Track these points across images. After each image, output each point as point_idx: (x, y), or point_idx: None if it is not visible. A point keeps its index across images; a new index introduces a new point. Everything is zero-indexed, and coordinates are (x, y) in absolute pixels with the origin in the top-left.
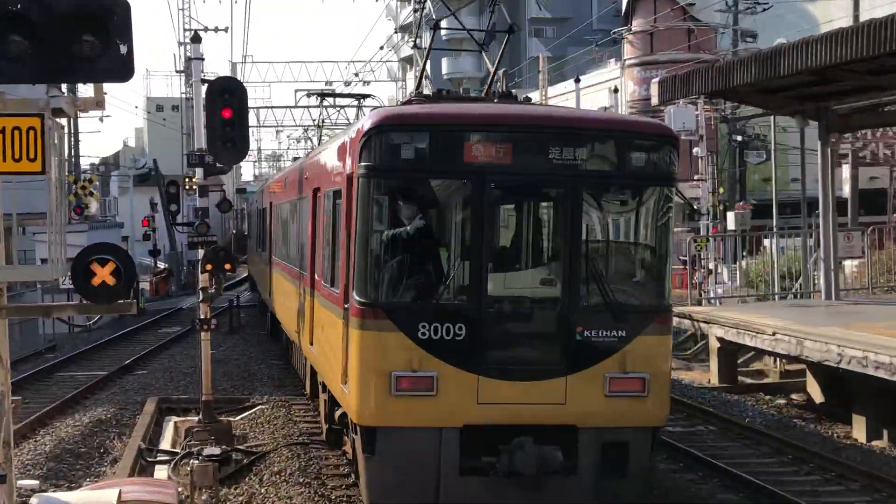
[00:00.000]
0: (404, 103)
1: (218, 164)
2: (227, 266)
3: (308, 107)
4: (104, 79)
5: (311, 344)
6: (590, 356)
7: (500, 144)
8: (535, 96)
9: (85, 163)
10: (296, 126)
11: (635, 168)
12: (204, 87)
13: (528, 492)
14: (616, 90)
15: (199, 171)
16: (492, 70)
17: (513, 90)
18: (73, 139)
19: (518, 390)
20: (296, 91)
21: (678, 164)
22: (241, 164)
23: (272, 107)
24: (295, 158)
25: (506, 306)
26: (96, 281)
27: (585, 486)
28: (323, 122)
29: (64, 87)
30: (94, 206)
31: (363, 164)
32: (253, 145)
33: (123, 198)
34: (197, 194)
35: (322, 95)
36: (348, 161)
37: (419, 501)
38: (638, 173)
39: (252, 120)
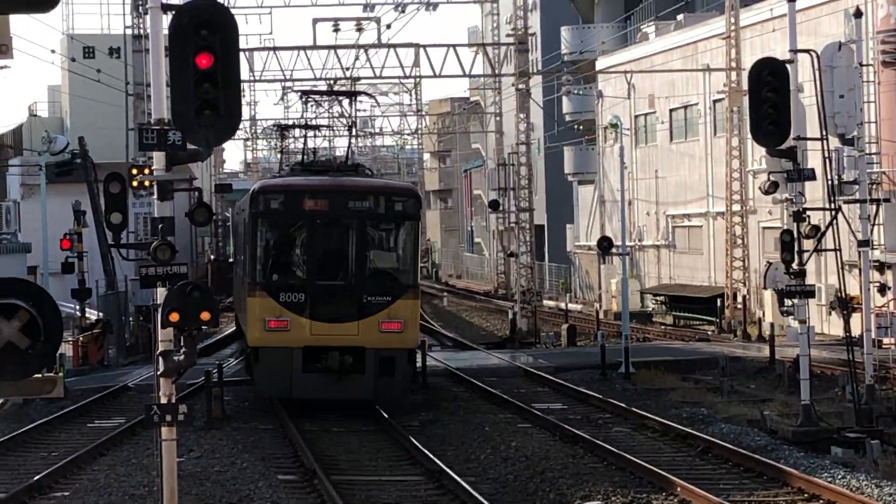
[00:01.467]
0: (287, 171)
1: (190, 146)
2: (205, 315)
3: (335, 46)
4: (15, 7)
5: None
6: (371, 310)
7: (321, 199)
8: (715, 25)
9: None
10: (315, 81)
11: (394, 211)
12: (167, 18)
13: (338, 384)
14: (859, 14)
15: (157, 157)
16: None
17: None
18: None
19: (332, 328)
20: (314, 21)
21: (423, 208)
22: (226, 144)
23: (275, 48)
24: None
25: (326, 284)
26: None
27: (370, 381)
28: (354, 73)
29: None
30: None
31: (251, 209)
32: (245, 113)
33: (30, 202)
34: (154, 195)
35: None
36: (249, 205)
37: (282, 388)
38: (395, 214)
39: (243, 71)
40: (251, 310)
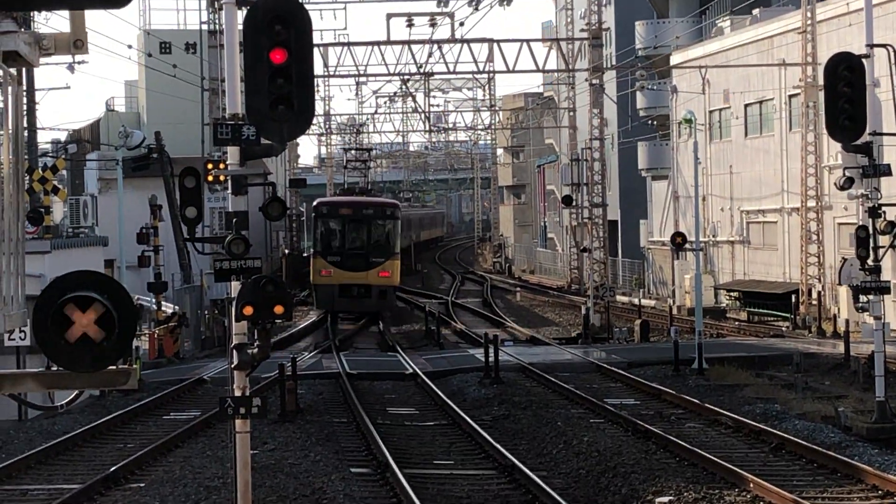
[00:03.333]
0: (333, 193)
1: (264, 140)
2: (278, 308)
3: (410, 42)
4: (90, 3)
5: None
6: (373, 266)
7: (346, 208)
8: (791, 19)
9: (44, 139)
10: (389, 76)
11: (384, 214)
12: (242, 13)
13: (357, 302)
14: None
15: (231, 152)
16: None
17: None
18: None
19: (354, 276)
20: (388, 16)
21: (399, 213)
22: (300, 139)
23: (349, 43)
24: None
25: (350, 251)
26: (74, 334)
27: (373, 301)
28: (428, 68)
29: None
30: (58, 211)
31: (314, 212)
32: (319, 108)
33: (107, 196)
34: (229, 190)
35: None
36: (313, 210)
37: (328, 305)
38: (384, 216)
39: (317, 66)
40: (313, 265)
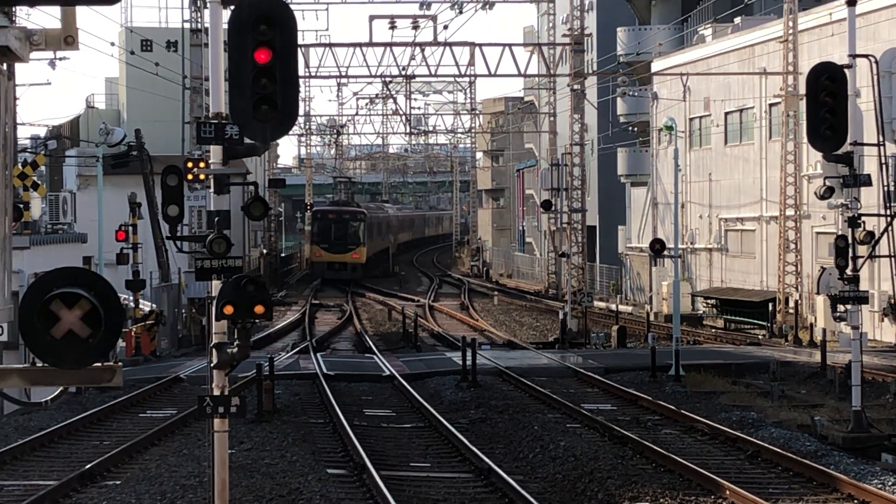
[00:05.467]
0: (324, 202)
1: (247, 140)
2: (259, 308)
3: (392, 44)
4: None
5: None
6: (349, 250)
7: (333, 214)
8: (772, 28)
9: (24, 134)
10: (370, 78)
11: (357, 218)
12: (227, 12)
13: (339, 272)
14: None
15: (214, 151)
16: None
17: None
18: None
19: (336, 256)
20: (371, 18)
21: (366, 217)
22: (280, 139)
23: (331, 44)
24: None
25: (334, 241)
26: (60, 330)
27: (350, 272)
28: (410, 71)
29: None
30: (37, 207)
31: (311, 215)
32: (299, 109)
33: (86, 193)
34: (210, 189)
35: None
36: (311, 213)
37: (319, 275)
38: (357, 218)
39: (299, 67)
40: (311, 249)
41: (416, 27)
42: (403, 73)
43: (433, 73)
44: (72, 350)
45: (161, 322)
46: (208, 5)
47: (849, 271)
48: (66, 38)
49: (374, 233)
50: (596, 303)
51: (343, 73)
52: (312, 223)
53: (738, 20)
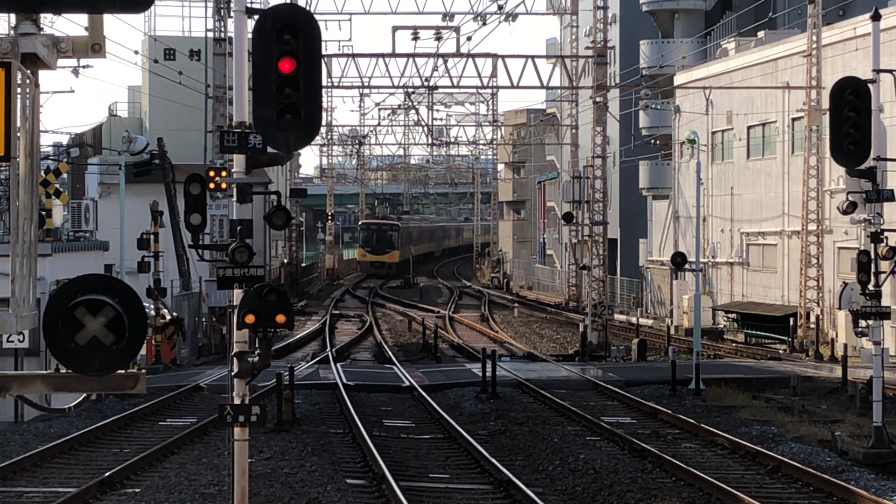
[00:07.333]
0: (367, 215)
1: (270, 149)
2: (280, 318)
3: (414, 55)
4: (111, 7)
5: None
6: (387, 252)
7: (374, 225)
8: (796, 42)
9: (46, 142)
10: (393, 88)
11: (392, 228)
12: (251, 22)
13: (380, 270)
14: None
15: (237, 160)
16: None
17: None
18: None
19: (378, 257)
20: (394, 28)
21: (399, 228)
22: (302, 149)
23: (354, 55)
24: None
25: (376, 245)
26: (84, 337)
27: (388, 270)
28: (432, 82)
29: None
30: (58, 215)
31: (359, 227)
32: (322, 119)
33: (107, 201)
34: (234, 198)
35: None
36: (359, 225)
37: (367, 271)
38: (392, 228)
39: (322, 77)
40: (359, 252)
41: (438, 38)
42: (426, 83)
43: (455, 84)
44: (95, 357)
45: (181, 330)
46: (233, 15)
47: (871, 287)
48: (94, 46)
49: (404, 240)
50: (616, 316)
51: (365, 84)
52: (360, 232)
53: (761, 34)
